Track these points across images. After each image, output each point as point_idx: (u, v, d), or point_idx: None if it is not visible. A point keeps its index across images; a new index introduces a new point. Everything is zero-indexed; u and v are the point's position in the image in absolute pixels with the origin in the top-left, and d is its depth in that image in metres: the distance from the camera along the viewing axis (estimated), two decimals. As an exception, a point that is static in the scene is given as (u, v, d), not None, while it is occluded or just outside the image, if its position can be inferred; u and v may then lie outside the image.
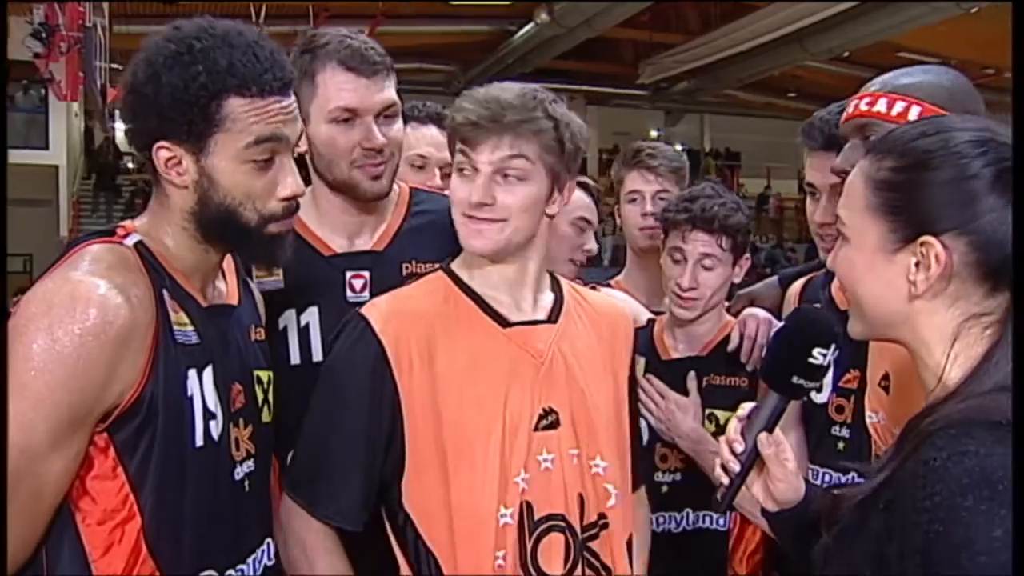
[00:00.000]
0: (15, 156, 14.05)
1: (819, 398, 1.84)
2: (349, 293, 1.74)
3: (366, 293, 1.73)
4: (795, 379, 1.25)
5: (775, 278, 2.33)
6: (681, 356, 2.03)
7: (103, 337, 1.18)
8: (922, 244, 1.02)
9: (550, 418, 1.44)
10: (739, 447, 1.25)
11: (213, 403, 1.32)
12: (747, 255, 2.04)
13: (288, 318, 1.72)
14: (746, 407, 1.29)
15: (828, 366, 1.27)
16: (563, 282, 1.59)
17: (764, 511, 1.29)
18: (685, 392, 1.97)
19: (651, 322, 2.10)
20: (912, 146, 1.06)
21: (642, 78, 18.19)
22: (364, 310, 1.45)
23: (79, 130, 18.13)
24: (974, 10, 13.05)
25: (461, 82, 21.32)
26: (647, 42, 17.41)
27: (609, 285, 2.38)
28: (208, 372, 1.32)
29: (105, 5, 11.27)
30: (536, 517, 1.41)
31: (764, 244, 19.23)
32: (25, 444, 1.14)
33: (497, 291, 1.47)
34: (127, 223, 1.37)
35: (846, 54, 16.83)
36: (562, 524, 1.42)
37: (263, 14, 10.47)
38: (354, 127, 1.68)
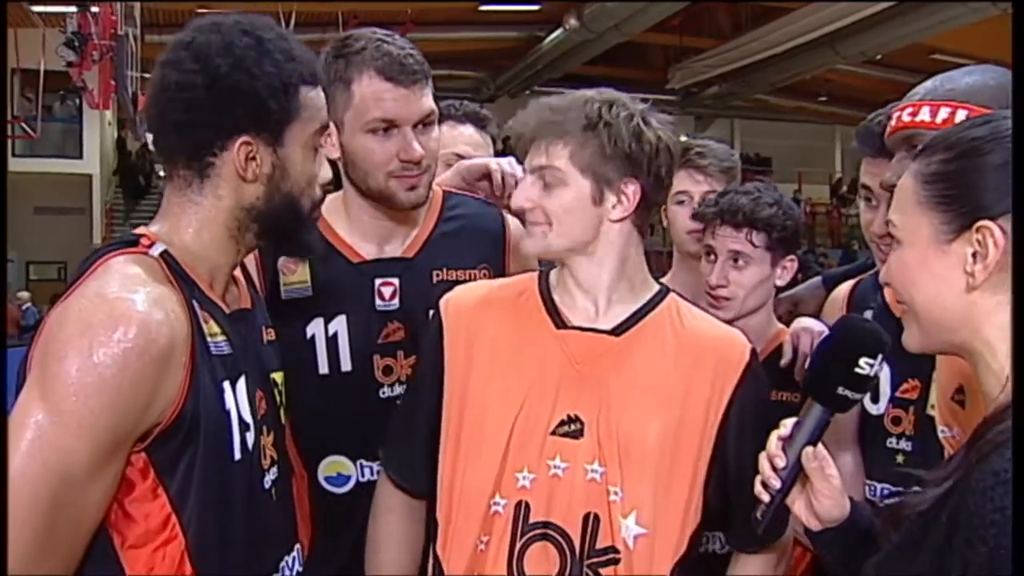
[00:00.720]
0: (50, 165, 14.32)
1: (874, 409, 1.77)
2: (378, 301, 1.71)
3: (395, 301, 1.71)
4: (840, 390, 1.20)
5: (818, 279, 2.26)
6: None
7: (146, 356, 1.13)
8: (978, 230, 0.99)
9: (573, 426, 1.40)
10: (780, 462, 1.21)
11: (247, 414, 1.29)
12: (792, 256, 1.93)
13: (316, 326, 1.69)
14: (787, 422, 1.24)
15: (875, 377, 1.22)
16: (671, 301, 1.50)
17: (807, 530, 1.24)
18: None
19: None
20: (960, 137, 1.04)
21: (672, 83, 18.11)
22: (448, 293, 1.53)
23: (112, 139, 18.42)
24: (1009, 11, 12.84)
25: (491, 88, 21.38)
26: (677, 46, 17.35)
27: None
28: (242, 382, 1.29)
29: (137, 14, 11.42)
30: (532, 520, 1.38)
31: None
32: (67, 473, 1.09)
33: (572, 295, 1.46)
34: (146, 231, 1.32)
35: (879, 57, 16.66)
36: (558, 537, 1.37)
37: (292, 20, 10.57)
38: (392, 137, 1.65)
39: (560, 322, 1.45)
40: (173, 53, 1.26)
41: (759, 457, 1.24)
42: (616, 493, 1.37)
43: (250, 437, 1.29)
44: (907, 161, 1.39)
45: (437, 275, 1.73)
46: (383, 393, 1.70)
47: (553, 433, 1.39)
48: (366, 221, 1.74)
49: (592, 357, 1.42)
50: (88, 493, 1.11)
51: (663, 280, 2.35)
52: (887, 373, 1.75)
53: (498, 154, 2.32)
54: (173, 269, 1.25)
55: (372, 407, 1.67)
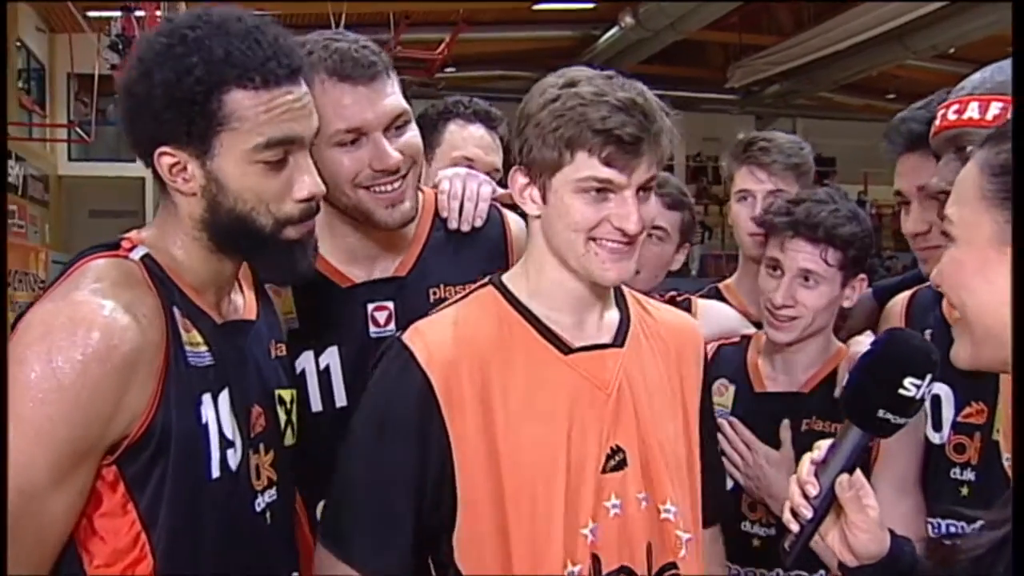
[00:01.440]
0: (105, 169, 14.68)
1: (936, 438, 1.65)
2: (372, 328, 1.59)
3: (391, 326, 1.58)
4: (881, 413, 1.12)
5: (869, 291, 2.11)
6: (778, 390, 1.80)
7: (108, 363, 1.09)
8: None
9: (617, 458, 1.34)
10: (812, 490, 1.14)
11: (230, 429, 1.23)
12: (863, 276, 1.79)
13: (306, 361, 1.57)
14: (822, 445, 1.18)
15: (922, 400, 1.14)
16: (628, 294, 1.48)
17: (841, 565, 1.17)
18: (779, 428, 1.74)
19: (745, 340, 1.90)
20: None
21: (731, 82, 17.91)
22: (407, 337, 1.34)
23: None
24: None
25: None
26: (736, 44, 17.16)
27: (717, 291, 2.20)
28: (224, 396, 1.23)
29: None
30: (604, 572, 1.31)
31: (862, 254, 18.67)
32: (25, 482, 1.05)
33: (559, 311, 1.37)
34: (132, 234, 1.29)
35: (952, 51, 16.25)
36: None
37: (342, 21, 10.71)
38: (362, 147, 1.49)
39: (564, 346, 1.36)
40: None
41: (790, 482, 1.17)
42: (668, 510, 1.36)
43: (233, 454, 1.23)
44: (955, 164, 1.33)
45: (434, 293, 1.61)
46: None
47: (603, 471, 1.33)
48: (351, 242, 1.59)
49: (611, 376, 1.36)
50: (50, 505, 1.07)
51: (729, 281, 2.24)
52: (949, 395, 1.65)
53: (506, 158, 2.26)
54: (154, 274, 1.21)
55: None
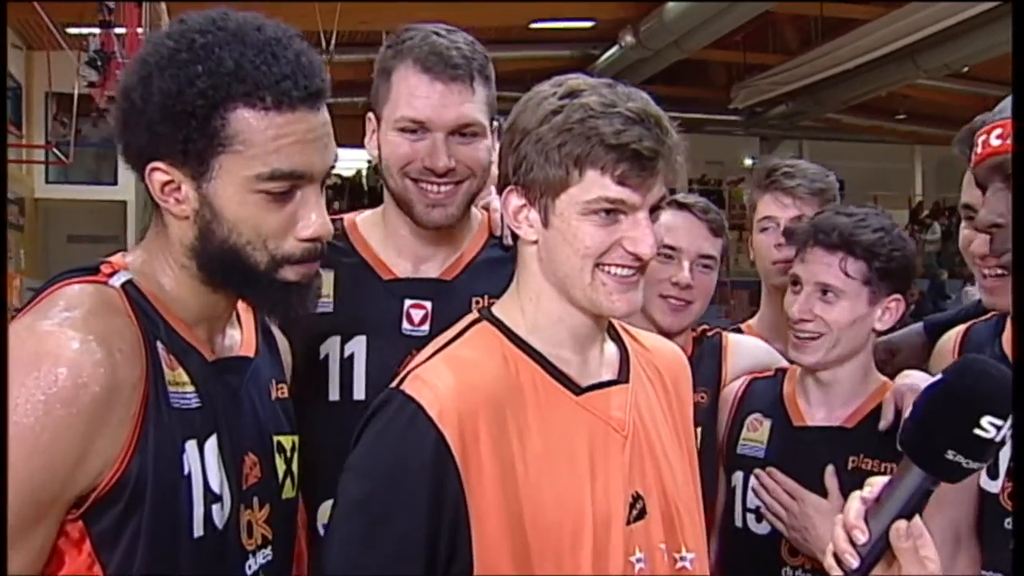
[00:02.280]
0: (85, 192, 14.70)
1: (992, 486, 1.55)
2: (406, 325, 1.60)
3: (426, 327, 1.60)
4: (951, 455, 1.02)
5: (919, 325, 2.10)
6: (820, 424, 1.72)
7: (76, 404, 1.01)
8: None
9: (638, 506, 1.27)
10: (861, 536, 1.05)
11: (217, 482, 1.15)
12: (898, 296, 1.69)
13: (331, 346, 1.59)
14: (875, 483, 1.09)
15: (1001, 442, 1.03)
16: (617, 325, 1.41)
17: None
18: (822, 472, 1.65)
19: (780, 373, 1.85)
20: None
21: (735, 102, 18.02)
22: (409, 388, 1.20)
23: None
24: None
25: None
26: (741, 64, 17.28)
27: (739, 330, 2.19)
28: (212, 443, 1.15)
29: (165, 17, 11.71)
30: None
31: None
32: None
33: (561, 348, 1.28)
34: (114, 258, 1.21)
35: (965, 69, 16.37)
36: None
37: (333, 40, 10.78)
38: (421, 140, 1.55)
39: (574, 387, 1.28)
40: None
41: (835, 524, 1.09)
42: (684, 558, 1.30)
43: (220, 510, 1.15)
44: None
45: (477, 303, 1.59)
46: None
47: (628, 522, 1.26)
48: (402, 236, 1.65)
49: (625, 416, 1.29)
50: (7, 562, 0.99)
51: (751, 321, 2.25)
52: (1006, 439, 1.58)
53: None
54: (136, 303, 1.14)
55: None
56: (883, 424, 1.65)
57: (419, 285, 1.63)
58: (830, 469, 1.66)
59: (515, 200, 1.27)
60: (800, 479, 1.68)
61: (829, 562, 1.09)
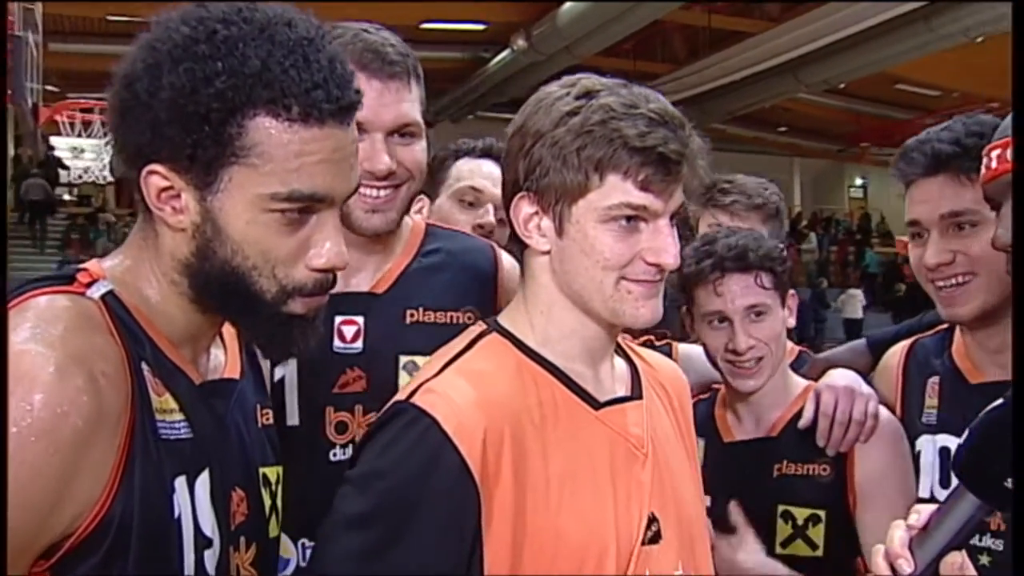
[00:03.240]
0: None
1: (942, 496, 1.45)
2: (337, 342, 1.51)
3: (358, 343, 1.51)
4: (1010, 483, 0.96)
5: (862, 341, 2.08)
6: (747, 438, 1.74)
7: (54, 437, 0.87)
8: None
9: (653, 528, 1.19)
10: (907, 567, 0.98)
11: (210, 524, 1.02)
12: (793, 291, 1.75)
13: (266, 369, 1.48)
14: (921, 511, 1.02)
15: None
16: (622, 342, 1.34)
17: None
18: (755, 480, 1.67)
19: (714, 391, 1.84)
20: None
21: (625, 109, 18.43)
22: (422, 402, 1.10)
23: (9, 156, 18.00)
24: (980, 40, 13.37)
25: (431, 112, 21.40)
26: (631, 71, 17.65)
27: (670, 350, 2.07)
28: (203, 479, 1.02)
29: (38, 19, 11.19)
30: None
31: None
32: None
33: (574, 361, 1.21)
34: (91, 264, 1.06)
35: (841, 86, 17.18)
36: None
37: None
38: (359, 141, 1.46)
39: (593, 402, 1.20)
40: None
41: (873, 555, 1.03)
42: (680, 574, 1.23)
43: (211, 556, 1.02)
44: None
45: (411, 315, 1.54)
46: (334, 455, 1.48)
47: (644, 543, 1.18)
48: None
49: (643, 433, 1.22)
50: (7, 562, 0.87)
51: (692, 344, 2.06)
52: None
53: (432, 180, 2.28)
54: (119, 318, 0.99)
55: (320, 472, 1.43)
56: (802, 423, 1.65)
57: (349, 300, 1.51)
58: (733, 505, 1.64)
59: (526, 208, 1.18)
60: (732, 492, 1.68)
61: None
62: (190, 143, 0.96)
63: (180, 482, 0.99)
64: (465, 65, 17.54)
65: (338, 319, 1.51)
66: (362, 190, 1.44)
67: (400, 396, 1.15)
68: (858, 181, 27.97)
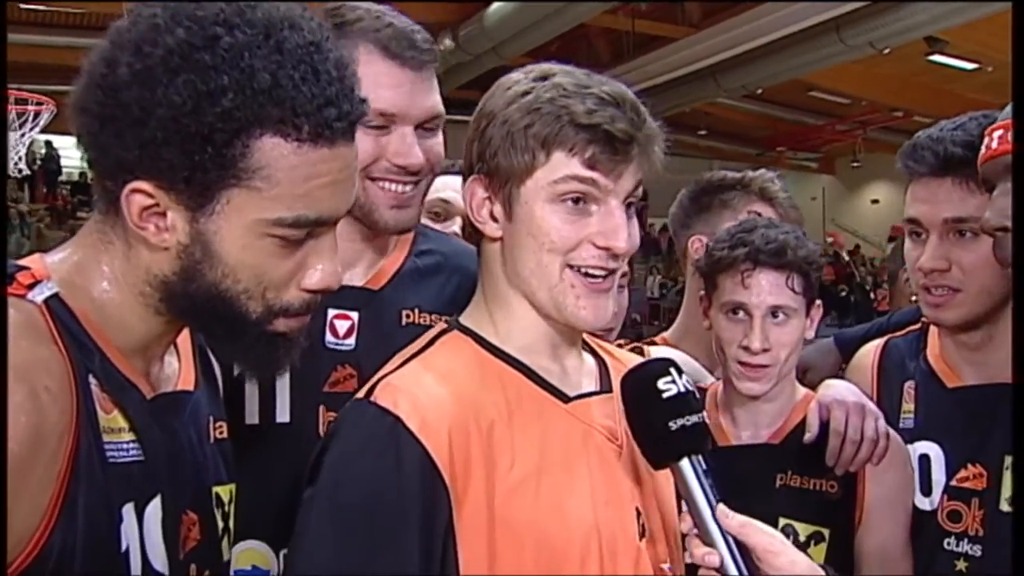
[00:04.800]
0: None
1: (926, 504, 1.54)
2: (329, 337, 1.43)
3: (351, 340, 1.43)
4: (672, 425, 1.05)
5: (829, 340, 2.04)
6: (745, 443, 1.62)
7: None
8: None
9: (640, 522, 1.16)
10: (714, 559, 1.03)
11: (160, 556, 0.94)
12: (818, 303, 1.62)
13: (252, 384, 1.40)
14: (683, 517, 1.06)
15: (688, 390, 1.07)
16: (590, 340, 1.30)
17: None
18: (754, 488, 1.51)
19: (701, 392, 1.61)
20: None
21: (550, 110, 18.50)
22: (382, 399, 1.05)
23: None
24: (886, 51, 13.84)
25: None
26: (556, 72, 17.77)
27: (653, 342, 2.05)
28: (154, 506, 0.94)
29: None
30: None
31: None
32: None
33: (539, 356, 1.16)
34: (34, 262, 0.95)
35: (759, 91, 17.54)
36: None
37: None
38: (387, 135, 1.37)
39: (561, 395, 1.16)
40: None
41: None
42: (669, 569, 1.20)
43: None
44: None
45: (407, 316, 1.46)
46: None
47: (640, 538, 1.15)
48: None
49: (615, 426, 1.18)
50: (6, 560, 0.80)
51: (665, 334, 2.05)
52: (939, 455, 1.54)
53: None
54: (64, 325, 0.89)
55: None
56: (808, 437, 1.55)
57: (343, 294, 1.36)
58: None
59: (479, 191, 1.14)
60: (727, 501, 1.55)
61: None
62: (188, 165, 0.86)
63: (128, 510, 0.90)
64: (392, 63, 17.39)
65: (331, 312, 1.42)
66: (388, 185, 1.37)
67: (360, 394, 1.09)
68: (774, 184, 28.61)
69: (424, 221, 2.16)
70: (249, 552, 1.35)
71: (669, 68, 15.47)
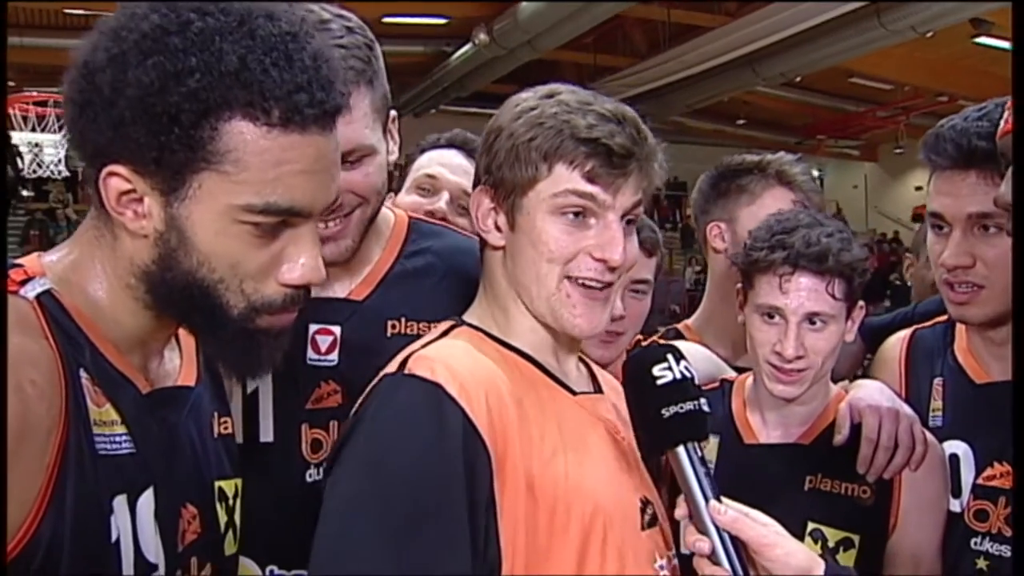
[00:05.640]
0: None
1: (955, 504, 1.52)
2: (311, 353, 1.39)
3: (334, 355, 1.39)
4: (665, 413, 1.08)
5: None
6: (774, 442, 1.57)
7: None
8: None
9: (649, 512, 1.20)
10: (704, 546, 1.06)
11: (153, 547, 0.95)
12: (861, 304, 1.56)
13: (230, 383, 1.37)
14: (679, 503, 1.10)
15: (685, 376, 1.11)
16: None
17: None
18: (782, 489, 1.50)
19: (726, 385, 1.68)
20: None
21: (586, 103, 18.42)
22: (418, 367, 1.07)
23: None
24: (929, 35, 13.59)
25: (394, 107, 21.26)
26: (591, 65, 17.68)
27: (678, 333, 2.03)
28: (147, 498, 0.95)
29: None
30: None
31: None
32: None
33: (542, 353, 1.21)
34: (28, 260, 0.98)
35: (798, 79, 17.32)
36: None
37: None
38: None
39: (568, 388, 1.21)
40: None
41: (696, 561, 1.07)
42: (674, 556, 1.23)
43: None
44: None
45: (393, 326, 1.41)
46: (309, 475, 1.37)
47: (643, 527, 1.18)
48: None
49: (616, 422, 1.22)
50: (6, 559, 0.83)
51: (688, 321, 2.06)
52: (968, 454, 1.52)
53: (400, 176, 2.26)
54: (56, 321, 0.92)
55: (294, 492, 1.34)
56: (838, 439, 1.51)
57: (325, 307, 1.38)
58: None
59: (485, 202, 1.20)
60: (753, 501, 1.51)
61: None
62: (156, 145, 0.88)
63: (120, 501, 0.92)
64: (427, 60, 17.43)
65: (312, 328, 1.38)
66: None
67: (390, 369, 1.11)
68: (815, 172, 28.13)
69: (413, 196, 2.14)
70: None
71: (706, 57, 15.33)
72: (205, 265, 0.93)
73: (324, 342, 1.40)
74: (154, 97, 0.87)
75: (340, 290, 1.43)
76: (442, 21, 15.75)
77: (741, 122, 21.77)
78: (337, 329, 1.40)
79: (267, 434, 1.38)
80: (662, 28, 16.10)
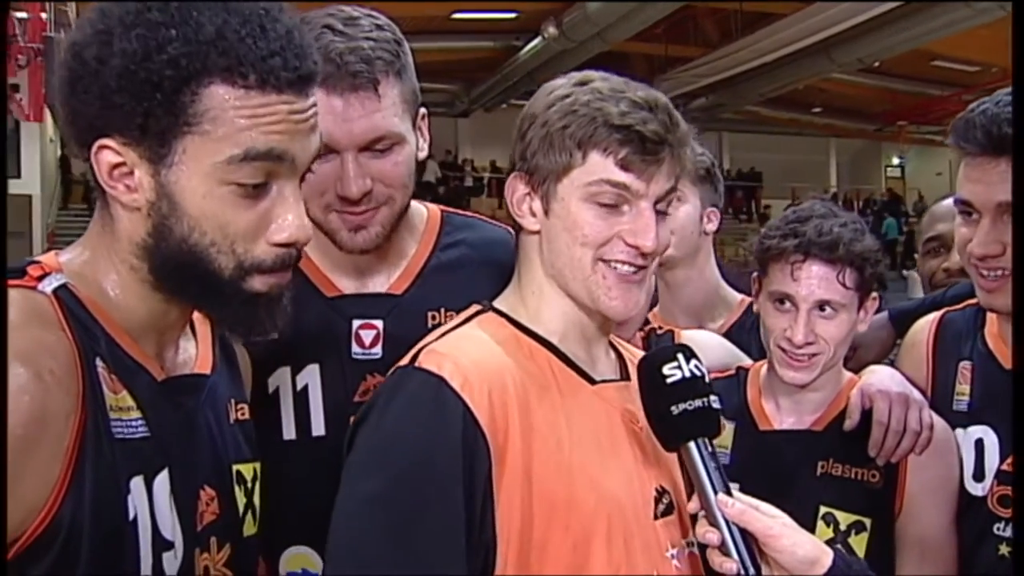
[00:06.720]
0: (-14, 186, 14.19)
1: (977, 488, 1.52)
2: (355, 348, 1.42)
3: (377, 348, 1.43)
4: (674, 410, 1.11)
5: (884, 315, 1.93)
6: (788, 428, 1.62)
7: None
8: None
9: (664, 501, 1.21)
10: (713, 537, 1.08)
11: (169, 525, 1.00)
12: (875, 295, 1.60)
13: (280, 379, 1.43)
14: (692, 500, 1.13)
15: (695, 374, 1.13)
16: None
17: None
18: (795, 474, 1.56)
19: (741, 372, 1.72)
20: None
21: (657, 94, 18.30)
22: (426, 362, 1.12)
23: (55, 156, 18.29)
24: (1016, 14, 13.15)
25: (464, 102, 21.45)
26: (662, 56, 17.54)
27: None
28: (163, 478, 1.00)
29: (72, 17, 11.30)
30: None
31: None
32: None
33: (567, 340, 1.23)
34: (45, 257, 1.04)
35: (876, 64, 16.91)
36: None
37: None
38: (329, 161, 1.35)
39: (589, 378, 1.23)
40: None
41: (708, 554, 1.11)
42: (692, 544, 1.24)
43: (172, 558, 1.01)
44: None
45: (433, 317, 1.44)
46: None
47: (656, 517, 1.20)
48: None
49: (636, 410, 1.22)
50: (6, 558, 0.89)
51: (656, 310, 2.05)
52: (994, 440, 1.53)
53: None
54: (72, 313, 0.97)
55: None
56: (848, 424, 1.55)
57: (367, 302, 1.43)
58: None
59: (520, 188, 1.23)
60: (768, 486, 1.48)
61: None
62: (141, 111, 0.94)
63: (136, 482, 0.97)
64: (497, 54, 17.52)
65: (356, 323, 1.43)
66: (341, 209, 1.37)
67: (403, 362, 1.16)
68: (895, 160, 27.56)
69: None
70: (300, 557, 1.41)
71: (780, 45, 15.08)
72: (196, 229, 0.98)
73: (368, 336, 1.44)
74: (137, 65, 0.93)
75: (379, 285, 1.47)
76: (511, 16, 15.80)
77: (817, 110, 21.36)
78: (380, 323, 1.44)
79: (319, 428, 1.43)
80: (734, 16, 15.89)
